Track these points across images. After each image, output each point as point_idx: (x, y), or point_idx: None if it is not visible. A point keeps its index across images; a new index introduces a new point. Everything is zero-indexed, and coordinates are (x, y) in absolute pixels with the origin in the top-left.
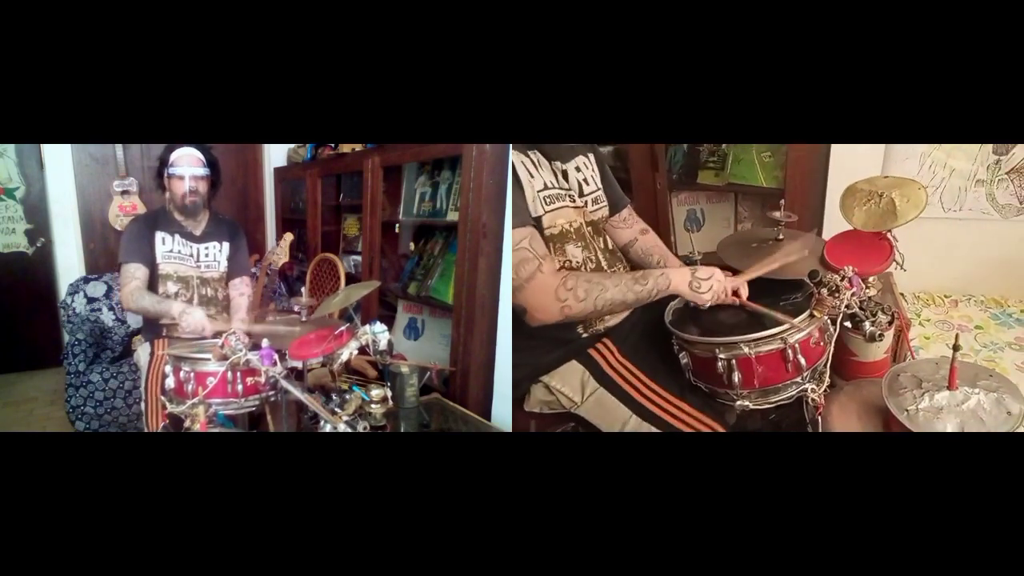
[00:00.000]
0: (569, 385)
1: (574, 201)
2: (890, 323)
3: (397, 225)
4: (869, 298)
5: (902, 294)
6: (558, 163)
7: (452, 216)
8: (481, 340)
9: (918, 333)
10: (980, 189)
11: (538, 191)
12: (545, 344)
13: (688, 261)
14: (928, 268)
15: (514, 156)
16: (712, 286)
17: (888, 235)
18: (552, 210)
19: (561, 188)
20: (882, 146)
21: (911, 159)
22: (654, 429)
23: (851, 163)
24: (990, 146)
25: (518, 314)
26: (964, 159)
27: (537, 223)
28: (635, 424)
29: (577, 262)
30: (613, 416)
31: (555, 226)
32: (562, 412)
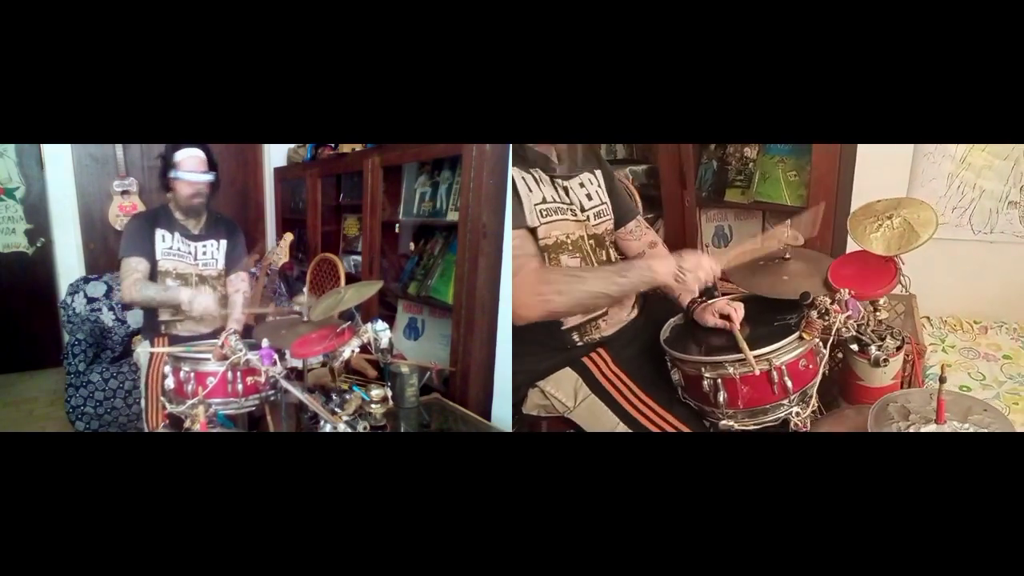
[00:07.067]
0: (563, 391)
1: (575, 215)
2: (898, 348)
3: (397, 225)
4: (880, 322)
5: (927, 317)
6: (560, 180)
7: (452, 216)
8: (481, 340)
9: (940, 360)
10: (1013, 211)
11: (535, 204)
12: (541, 351)
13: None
14: (958, 292)
15: (515, 172)
16: (699, 275)
17: (896, 258)
18: (548, 222)
19: (561, 203)
20: (907, 166)
21: (937, 179)
22: None
23: (875, 181)
24: (1023, 167)
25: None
26: (995, 180)
27: (533, 233)
28: (621, 431)
29: None
30: (601, 422)
31: (550, 237)
32: (558, 416)
